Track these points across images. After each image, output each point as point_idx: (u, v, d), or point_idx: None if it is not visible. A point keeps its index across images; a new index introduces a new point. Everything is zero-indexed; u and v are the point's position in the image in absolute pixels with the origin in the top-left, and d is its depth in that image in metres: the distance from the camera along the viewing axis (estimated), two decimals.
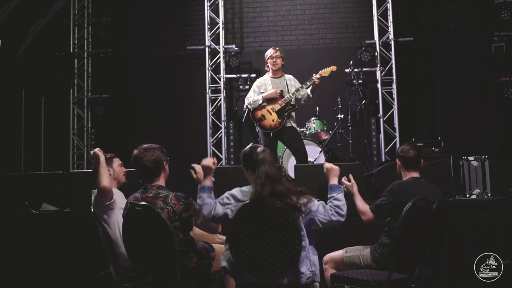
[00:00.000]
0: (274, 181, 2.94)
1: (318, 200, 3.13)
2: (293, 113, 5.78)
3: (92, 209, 3.75)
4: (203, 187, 3.16)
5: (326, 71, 5.73)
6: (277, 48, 5.84)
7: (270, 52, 5.81)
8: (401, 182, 3.58)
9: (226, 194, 3.07)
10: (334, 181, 3.32)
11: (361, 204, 3.65)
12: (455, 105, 7.97)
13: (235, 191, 3.06)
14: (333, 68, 5.80)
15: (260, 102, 5.68)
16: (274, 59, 5.75)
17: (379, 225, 3.58)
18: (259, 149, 3.09)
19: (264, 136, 5.78)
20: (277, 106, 5.67)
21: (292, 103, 5.71)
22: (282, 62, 5.79)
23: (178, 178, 3.88)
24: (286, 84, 5.76)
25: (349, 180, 3.81)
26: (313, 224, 3.06)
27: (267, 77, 5.86)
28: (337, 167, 3.39)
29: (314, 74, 5.67)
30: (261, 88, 5.79)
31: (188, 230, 3.26)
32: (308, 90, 5.69)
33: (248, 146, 3.20)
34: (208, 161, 3.25)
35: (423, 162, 3.67)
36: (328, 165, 3.41)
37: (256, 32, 8.61)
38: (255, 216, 2.83)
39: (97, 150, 3.73)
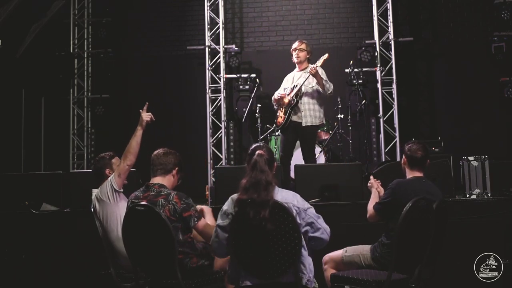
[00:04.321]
0: (255, 190, 2.80)
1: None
2: (300, 107, 5.59)
3: (92, 207, 3.75)
4: None
5: (319, 62, 5.59)
6: (303, 41, 5.80)
7: (294, 44, 5.78)
8: (402, 181, 3.58)
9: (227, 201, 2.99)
10: None
11: (369, 204, 3.67)
12: (455, 105, 7.97)
13: (235, 195, 2.97)
14: (325, 56, 5.60)
15: (276, 108, 5.81)
16: (296, 52, 5.70)
17: (379, 225, 3.58)
18: (258, 151, 2.97)
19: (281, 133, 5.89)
20: (286, 104, 5.70)
21: (294, 99, 5.58)
22: (307, 56, 5.70)
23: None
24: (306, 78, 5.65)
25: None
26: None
27: (295, 71, 5.85)
28: None
29: (310, 65, 5.60)
30: (287, 82, 5.80)
31: (188, 230, 3.25)
32: (315, 85, 5.59)
33: (254, 145, 3.10)
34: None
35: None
36: None
37: (256, 32, 8.61)
38: (251, 216, 2.81)
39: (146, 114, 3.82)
